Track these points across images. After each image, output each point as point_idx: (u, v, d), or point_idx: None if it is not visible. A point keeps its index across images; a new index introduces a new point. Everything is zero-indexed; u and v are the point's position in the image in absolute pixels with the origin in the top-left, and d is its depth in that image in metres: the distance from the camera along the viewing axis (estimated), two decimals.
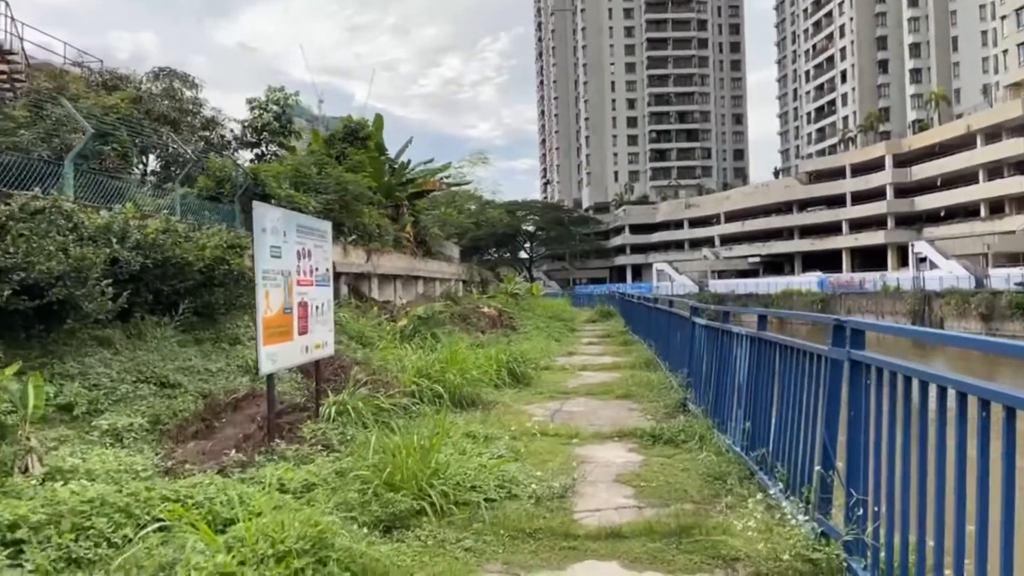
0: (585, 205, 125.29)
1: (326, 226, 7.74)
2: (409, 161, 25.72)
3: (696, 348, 8.68)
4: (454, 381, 9.39)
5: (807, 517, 4.07)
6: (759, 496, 5.10)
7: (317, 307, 7.25)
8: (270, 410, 6.20)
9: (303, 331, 6.85)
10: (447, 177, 28.17)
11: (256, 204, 5.94)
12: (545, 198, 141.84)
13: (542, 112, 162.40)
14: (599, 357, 16.35)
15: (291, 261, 6.59)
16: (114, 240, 7.45)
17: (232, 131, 20.86)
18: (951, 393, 2.87)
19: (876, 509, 3.38)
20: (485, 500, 5.31)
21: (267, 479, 5.30)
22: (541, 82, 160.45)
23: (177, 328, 8.69)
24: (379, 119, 24.32)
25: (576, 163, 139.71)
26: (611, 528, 4.87)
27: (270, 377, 6.28)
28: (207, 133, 19.87)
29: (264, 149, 21.43)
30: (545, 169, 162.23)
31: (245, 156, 20.92)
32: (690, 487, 5.76)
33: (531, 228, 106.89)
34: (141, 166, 16.49)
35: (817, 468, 4.08)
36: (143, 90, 17.80)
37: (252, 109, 21.20)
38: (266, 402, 7.05)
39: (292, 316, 6.58)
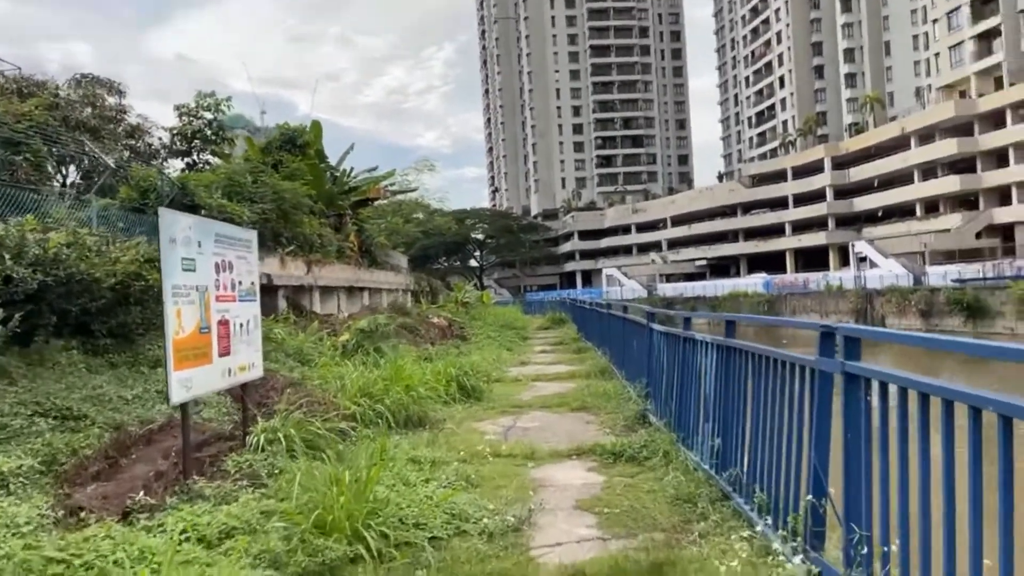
0: (534, 212, 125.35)
1: (250, 235, 7.01)
2: (352, 169, 24.95)
3: (655, 356, 8.20)
4: (398, 400, 8.73)
5: (800, 557, 3.55)
6: (735, 523, 4.59)
7: (241, 325, 6.53)
8: (185, 444, 5.46)
9: (224, 352, 6.13)
10: (392, 185, 27.42)
11: (162, 211, 5.21)
12: (494, 206, 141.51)
13: (488, 120, 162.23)
14: (553, 366, 15.84)
15: (208, 274, 5.87)
16: (7, 256, 6.57)
17: (160, 139, 19.79)
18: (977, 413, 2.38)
19: (885, 549, 2.88)
20: (430, 539, 4.69)
21: (176, 527, 4.58)
22: (487, 90, 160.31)
23: (87, 352, 7.83)
24: (317, 126, 23.45)
25: (524, 170, 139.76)
26: (574, 568, 4.30)
27: (184, 407, 5.54)
28: (133, 141, 18.75)
29: (196, 158, 20.35)
30: (493, 177, 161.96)
31: (176, 165, 19.87)
32: (658, 513, 5.23)
33: (480, 236, 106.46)
34: (60, 177, 15.37)
35: (807, 497, 3.58)
36: (61, 97, 16.64)
37: (181, 116, 20.12)
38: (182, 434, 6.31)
39: (211, 336, 5.86)
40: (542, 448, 7.52)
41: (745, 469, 4.86)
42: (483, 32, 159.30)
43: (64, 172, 15.64)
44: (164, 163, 19.50)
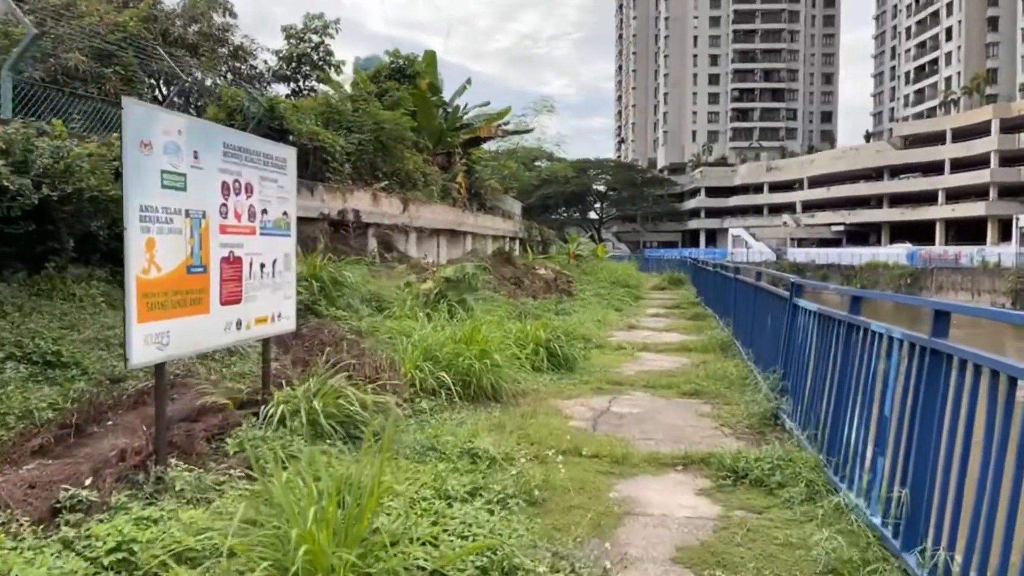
0: (660, 165, 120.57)
1: (286, 152, 5.58)
2: (466, 105, 23.42)
3: (799, 342, 6.26)
4: (468, 367, 7.23)
5: None
6: None
7: (262, 265, 5.16)
8: (159, 418, 4.16)
9: (231, 299, 4.77)
10: (506, 124, 25.76)
11: (127, 103, 3.80)
12: (619, 157, 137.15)
13: (619, 67, 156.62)
14: (664, 334, 13.95)
15: (208, 196, 4.48)
16: (0, 163, 5.48)
17: (265, 62, 18.95)
18: None
19: None
20: None
21: (105, 542, 3.27)
22: (620, 36, 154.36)
23: (114, 283, 6.79)
24: (431, 55, 21.98)
25: (653, 121, 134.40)
26: None
27: (160, 370, 4.22)
28: (237, 64, 17.98)
29: (300, 84, 19.45)
30: (620, 127, 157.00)
31: (280, 91, 19.00)
32: None
33: (602, 188, 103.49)
34: (156, 94, 14.72)
35: None
36: (159, 9, 15.91)
37: (287, 39, 19.15)
38: (188, 394, 5.06)
39: (207, 277, 4.49)
40: (638, 449, 5.83)
41: (963, 552, 3.00)
42: None
43: (160, 89, 14.97)
44: (267, 88, 18.65)
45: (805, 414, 5.70)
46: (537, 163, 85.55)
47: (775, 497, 4.75)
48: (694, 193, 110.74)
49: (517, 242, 26.36)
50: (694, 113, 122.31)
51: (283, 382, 5.68)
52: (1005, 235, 65.45)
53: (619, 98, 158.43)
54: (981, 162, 73.95)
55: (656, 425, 6.77)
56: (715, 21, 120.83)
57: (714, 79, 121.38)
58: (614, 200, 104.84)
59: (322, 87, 19.42)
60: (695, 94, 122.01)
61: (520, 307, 14.23)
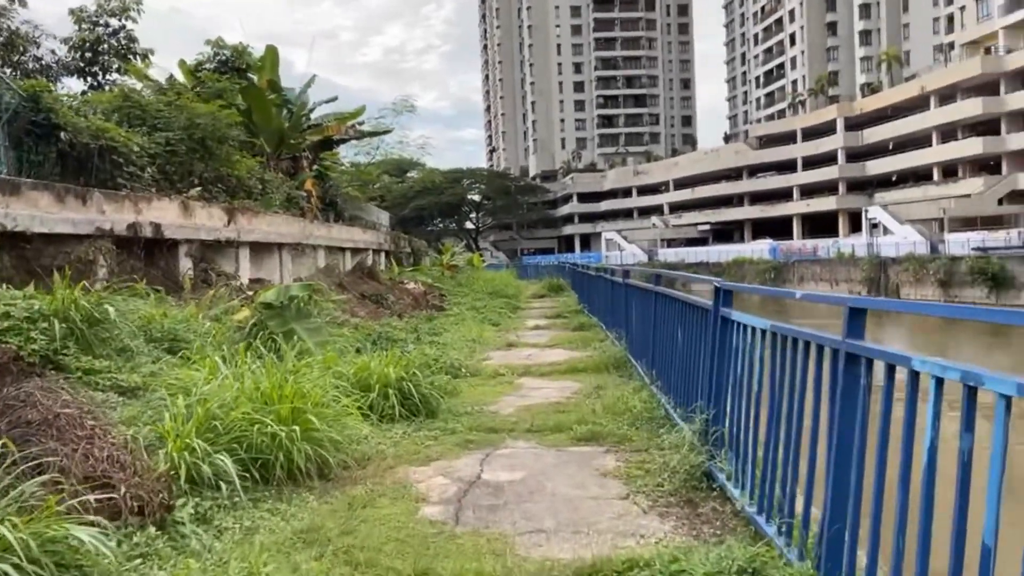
0: (532, 173, 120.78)
1: None
2: (312, 103, 20.76)
3: (738, 373, 4.40)
4: (271, 437, 4.95)
5: None
6: None
7: None
8: None
9: None
10: (361, 124, 23.36)
11: None
12: (491, 166, 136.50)
13: (486, 77, 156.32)
14: (548, 351, 12.08)
15: None
16: None
17: (54, 52, 15.67)
18: None
19: None
20: None
21: None
22: (485, 46, 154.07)
23: None
24: (272, 51, 19.25)
25: (522, 130, 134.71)
26: None
27: None
28: (15, 55, 14.63)
29: (101, 78, 16.28)
30: (491, 136, 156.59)
31: (75, 87, 15.79)
32: None
33: (477, 197, 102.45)
34: None
35: None
36: None
37: (77, 23, 15.85)
38: None
39: None
40: (522, 559, 3.77)
41: None
42: None
43: None
44: (58, 83, 15.42)
45: (763, 485, 3.81)
46: (410, 174, 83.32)
47: None
48: (567, 199, 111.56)
49: (383, 255, 23.95)
50: (562, 120, 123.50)
51: None
52: (855, 227, 69.09)
53: (488, 108, 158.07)
54: (830, 159, 78.02)
55: (546, 502, 4.74)
56: (576, 29, 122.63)
57: (579, 86, 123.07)
58: (489, 209, 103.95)
59: (130, 81, 16.34)
60: (562, 102, 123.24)
61: (379, 331, 11.97)
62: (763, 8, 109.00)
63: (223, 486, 4.48)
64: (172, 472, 4.46)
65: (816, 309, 27.47)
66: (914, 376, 2.41)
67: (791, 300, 4.63)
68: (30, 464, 3.88)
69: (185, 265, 11.04)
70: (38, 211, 7.95)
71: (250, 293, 9.26)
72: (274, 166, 17.82)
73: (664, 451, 5.44)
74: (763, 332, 3.97)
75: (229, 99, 15.06)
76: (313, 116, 20.95)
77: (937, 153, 66.02)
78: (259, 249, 13.91)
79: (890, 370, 2.57)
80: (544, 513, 4.54)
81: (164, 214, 10.44)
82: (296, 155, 19.56)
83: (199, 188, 12.26)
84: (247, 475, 4.72)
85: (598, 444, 6.09)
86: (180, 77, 17.69)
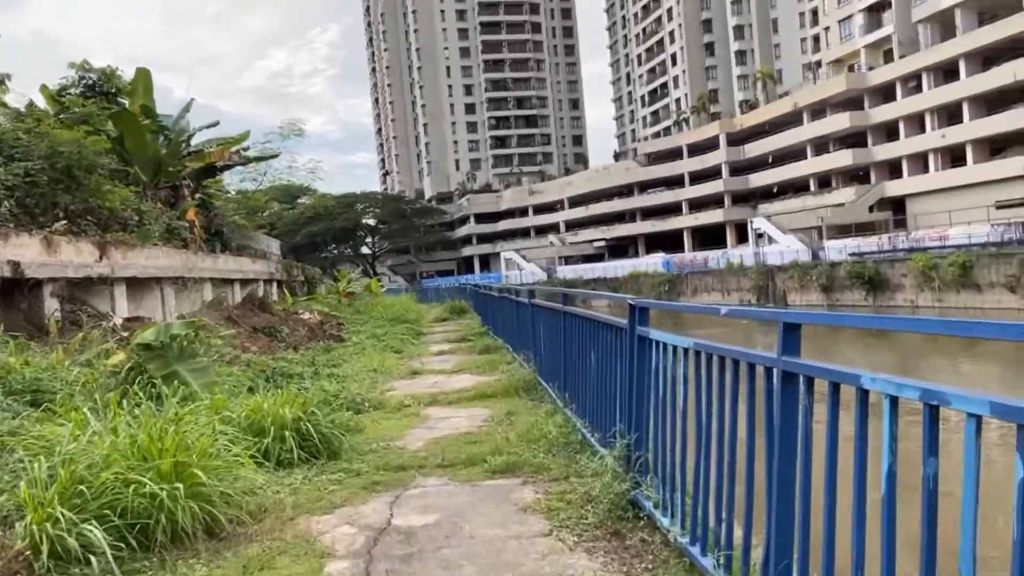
0: (427, 196, 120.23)
1: None
2: (191, 129, 19.64)
3: (660, 394, 4.19)
4: (151, 498, 4.37)
5: None
6: None
7: None
8: None
9: None
10: (246, 149, 22.34)
11: None
12: (385, 190, 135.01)
13: (376, 100, 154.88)
14: (454, 377, 11.69)
15: None
16: None
17: None
18: None
19: None
20: None
21: None
22: (373, 69, 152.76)
23: None
24: (144, 74, 18.06)
25: (415, 152, 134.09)
26: None
27: None
28: None
29: None
30: (383, 160, 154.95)
31: None
32: None
33: (372, 222, 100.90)
34: None
35: None
36: None
37: None
38: None
39: None
40: None
41: None
42: (367, 7, 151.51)
43: None
44: None
45: (695, 513, 3.59)
46: (300, 200, 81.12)
47: None
48: (464, 221, 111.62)
49: (275, 285, 22.91)
50: (455, 142, 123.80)
51: None
52: (742, 238, 72.14)
53: (379, 131, 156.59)
54: (715, 173, 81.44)
55: (464, 547, 4.37)
56: (465, 52, 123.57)
57: (470, 108, 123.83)
58: (385, 233, 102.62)
59: None
60: (454, 123, 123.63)
61: (273, 366, 11.26)
62: (644, 30, 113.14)
63: (94, 559, 3.87)
64: (32, 548, 3.82)
65: (706, 319, 28.25)
66: (863, 394, 2.22)
67: (680, 312, 4.48)
68: None
69: (51, 306, 10.02)
70: None
71: (125, 334, 8.44)
72: (152, 196, 16.69)
73: (584, 479, 5.19)
74: (685, 351, 3.77)
75: (97, 124, 13.98)
76: (194, 142, 19.84)
77: (812, 165, 70.00)
78: (137, 285, 12.90)
79: (835, 388, 2.38)
80: (463, 559, 4.17)
81: (23, 251, 9.44)
82: (176, 183, 18.42)
83: (65, 222, 11.23)
84: (122, 544, 4.12)
85: (514, 476, 5.77)
86: (42, 103, 16.38)
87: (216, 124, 20.36)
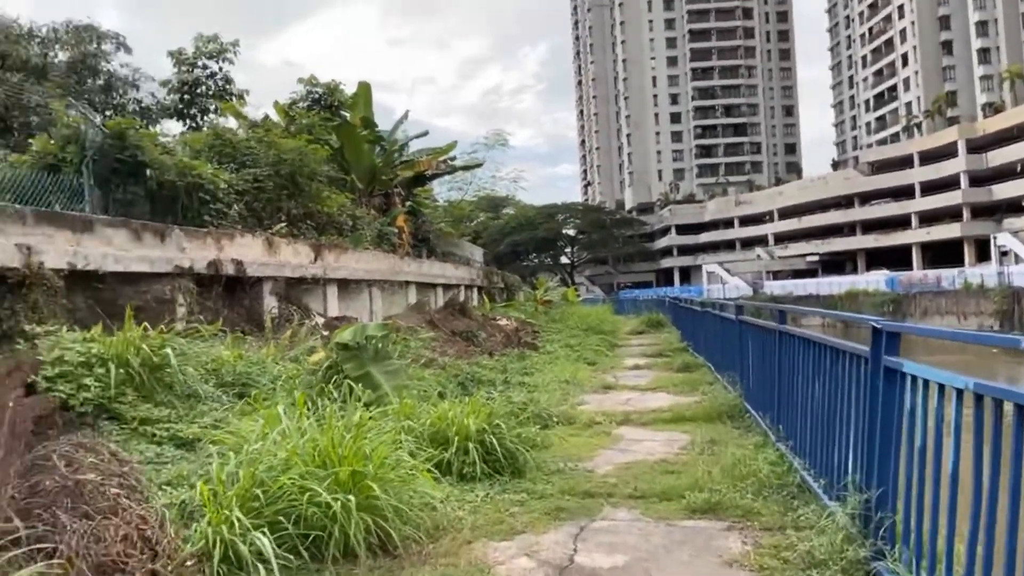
0: (628, 206, 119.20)
1: None
2: (406, 139, 20.58)
3: (915, 441, 3.30)
4: (324, 508, 4.19)
5: None
6: None
7: None
8: None
9: None
10: (453, 159, 23.07)
11: None
12: (586, 200, 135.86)
13: (581, 112, 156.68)
14: (650, 395, 10.98)
15: None
16: None
17: (153, 95, 16.06)
18: None
19: None
20: None
21: None
22: (579, 81, 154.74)
23: None
24: (365, 88, 19.24)
25: (617, 163, 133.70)
26: None
27: None
28: (115, 96, 15.02)
29: (199, 120, 16.55)
30: (585, 171, 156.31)
31: (173, 129, 16.10)
32: None
33: (572, 232, 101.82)
34: None
35: None
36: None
37: (177, 65, 16.20)
38: None
39: None
40: None
41: None
42: (576, 22, 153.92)
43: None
44: (157, 125, 15.75)
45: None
46: (504, 210, 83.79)
47: None
48: (665, 232, 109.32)
49: (475, 291, 23.41)
50: (658, 152, 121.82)
51: None
52: (983, 256, 64.19)
53: (583, 142, 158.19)
54: (951, 183, 73.12)
55: None
56: (672, 61, 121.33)
57: (676, 117, 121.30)
58: (584, 243, 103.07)
59: (226, 121, 16.57)
60: (658, 133, 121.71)
61: (467, 371, 11.23)
62: (871, 30, 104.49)
63: (262, 569, 3.73)
64: (204, 552, 3.75)
65: (941, 345, 24.83)
66: None
67: (924, 336, 3.48)
68: (32, 548, 3.25)
69: (269, 303, 10.67)
70: (112, 249, 7.66)
71: (326, 333, 8.72)
72: (366, 202, 17.63)
73: (804, 532, 4.34)
74: (958, 392, 2.89)
75: (319, 134, 14.97)
76: (405, 152, 20.79)
77: None
78: (347, 286, 13.52)
79: None
80: None
81: (247, 251, 10.12)
82: (388, 191, 19.35)
83: (285, 224, 12.01)
84: (292, 555, 3.96)
85: (717, 518, 5.02)
86: (275, 117, 17.91)
87: (425, 134, 21.25)
